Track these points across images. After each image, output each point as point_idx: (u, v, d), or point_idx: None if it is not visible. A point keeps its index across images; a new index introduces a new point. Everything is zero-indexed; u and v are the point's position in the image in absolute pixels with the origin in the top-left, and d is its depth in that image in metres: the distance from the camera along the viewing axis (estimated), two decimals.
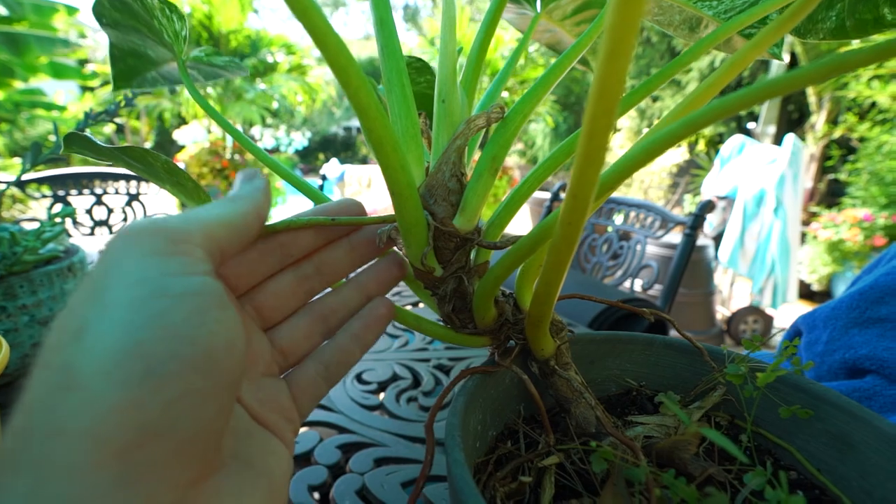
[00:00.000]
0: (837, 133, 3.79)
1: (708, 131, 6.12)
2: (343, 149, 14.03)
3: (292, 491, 0.39)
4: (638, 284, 1.33)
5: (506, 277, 0.19)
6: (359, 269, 0.24)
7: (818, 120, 4.09)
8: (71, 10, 3.61)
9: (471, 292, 0.21)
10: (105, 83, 5.68)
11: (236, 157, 4.74)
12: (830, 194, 4.14)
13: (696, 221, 1.18)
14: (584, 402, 0.21)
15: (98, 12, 0.23)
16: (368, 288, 0.23)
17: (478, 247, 0.21)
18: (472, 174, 0.21)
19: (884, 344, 0.44)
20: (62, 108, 4.20)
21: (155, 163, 0.22)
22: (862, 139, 3.43)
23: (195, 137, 5.38)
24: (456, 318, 0.21)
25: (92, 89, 6.19)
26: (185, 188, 0.24)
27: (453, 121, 0.21)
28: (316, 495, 0.40)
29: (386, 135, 0.18)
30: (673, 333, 0.27)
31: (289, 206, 5.14)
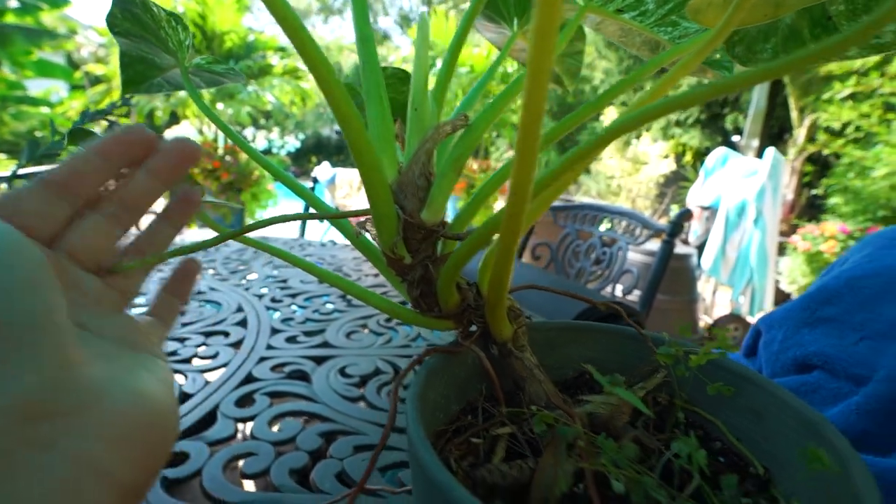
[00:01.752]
0: (812, 149, 3.91)
1: (695, 143, 6.25)
2: (336, 152, 13.99)
3: (274, 474, 0.41)
4: (619, 289, 1.36)
5: (464, 264, 0.21)
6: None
7: (799, 134, 4.20)
8: (56, 4, 3.55)
9: (436, 279, 0.24)
10: (95, 82, 5.64)
11: (227, 157, 4.73)
12: (810, 207, 4.25)
13: (675, 229, 1.22)
14: (536, 380, 0.23)
15: (111, 22, 0.25)
16: (175, 219, 0.25)
17: (443, 238, 0.23)
18: (437, 173, 0.23)
19: (829, 342, 0.47)
20: (51, 105, 4.15)
21: None
22: (837, 156, 3.55)
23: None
24: (423, 303, 0.24)
25: (82, 87, 6.12)
26: None
27: (423, 126, 0.23)
28: (296, 479, 0.42)
29: (362, 140, 0.20)
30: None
31: (280, 208, 5.13)
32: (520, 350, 0.24)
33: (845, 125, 3.55)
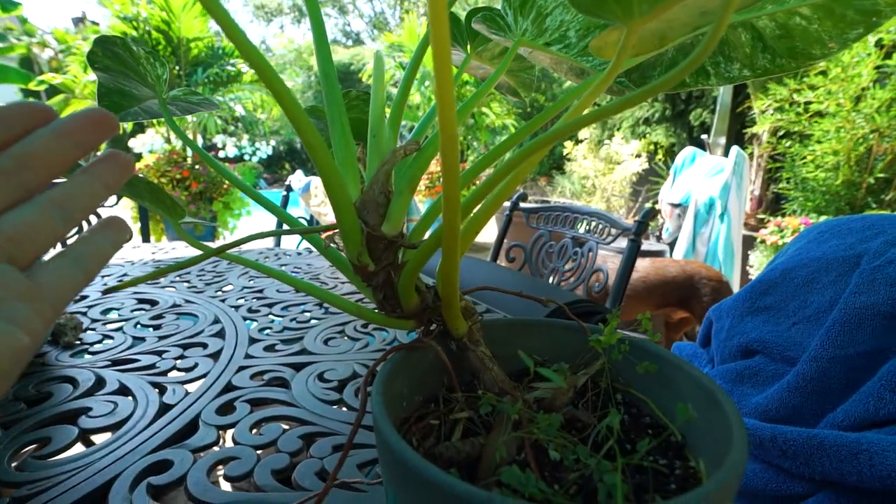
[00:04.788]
0: (768, 150, 4.16)
1: (662, 140, 6.46)
2: (309, 158, 13.83)
3: (257, 476, 0.43)
4: (591, 287, 1.41)
5: (419, 269, 0.24)
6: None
7: (763, 131, 4.39)
8: (6, 7, 3.41)
9: (397, 283, 0.27)
10: (55, 93, 5.46)
11: (197, 167, 4.66)
12: (777, 201, 4.44)
13: (640, 228, 1.28)
14: (489, 370, 0.26)
15: (91, 59, 0.28)
16: (104, 177, 0.22)
17: (402, 247, 0.26)
18: (394, 191, 0.26)
19: (767, 328, 0.52)
20: None
21: (138, 184, 0.27)
22: (783, 154, 3.79)
23: (153, 146, 5.24)
24: (387, 305, 0.27)
25: (37, 94, 5.92)
26: (164, 204, 0.29)
27: (382, 151, 0.26)
28: (278, 479, 0.44)
29: (328, 164, 0.23)
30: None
31: (254, 216, 5.08)
32: (475, 344, 0.27)
33: (781, 129, 3.82)
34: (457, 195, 0.17)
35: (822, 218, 3.42)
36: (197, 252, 0.29)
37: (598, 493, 0.17)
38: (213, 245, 0.34)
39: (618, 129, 6.85)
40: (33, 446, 0.44)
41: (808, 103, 3.51)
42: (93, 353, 0.64)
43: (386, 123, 0.27)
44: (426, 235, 0.28)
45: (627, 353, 0.28)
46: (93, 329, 0.72)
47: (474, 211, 0.24)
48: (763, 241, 3.58)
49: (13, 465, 0.41)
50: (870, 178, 3.29)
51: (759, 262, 3.67)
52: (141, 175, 0.28)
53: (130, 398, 0.53)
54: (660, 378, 0.27)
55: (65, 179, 0.22)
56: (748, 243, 3.65)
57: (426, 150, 0.26)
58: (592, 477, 0.19)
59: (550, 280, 1.45)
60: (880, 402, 0.37)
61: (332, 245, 0.27)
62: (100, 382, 0.56)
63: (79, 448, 0.45)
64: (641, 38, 0.20)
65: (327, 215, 4.24)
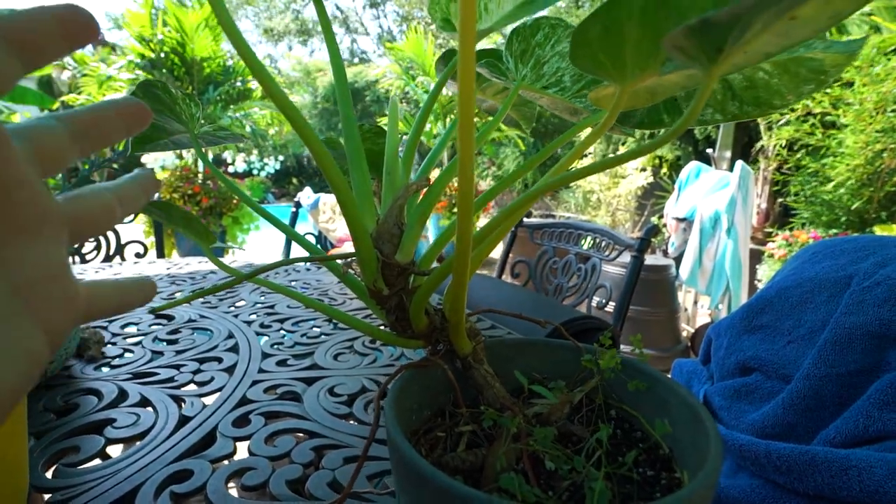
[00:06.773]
0: (774, 164, 4.16)
1: (669, 154, 6.49)
2: (316, 174, 14.01)
3: (272, 485, 0.45)
4: (594, 303, 1.42)
5: (430, 294, 0.27)
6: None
7: (770, 145, 4.39)
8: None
9: (409, 306, 0.29)
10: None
11: (208, 182, 4.75)
12: (784, 215, 4.43)
13: (642, 245, 1.30)
14: (491, 387, 0.29)
15: None
16: (146, 186, 0.23)
17: (413, 274, 0.29)
18: (407, 223, 0.29)
19: (764, 346, 0.54)
20: None
21: (175, 213, 0.30)
22: (798, 167, 3.78)
23: (164, 162, 5.35)
24: (398, 326, 0.29)
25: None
26: (196, 230, 0.32)
27: (395, 186, 0.29)
28: (292, 488, 0.46)
29: (349, 199, 0.26)
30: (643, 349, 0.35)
31: (262, 233, 5.16)
32: (478, 363, 0.29)
33: (795, 142, 3.82)
34: (469, 236, 0.20)
35: (832, 232, 3.41)
36: (213, 267, 0.31)
37: (587, 499, 0.19)
38: (223, 259, 0.37)
39: (623, 144, 6.90)
40: (63, 455, 0.47)
41: (824, 114, 3.51)
42: (114, 367, 0.67)
43: (400, 162, 0.30)
44: (433, 263, 0.31)
45: (620, 372, 0.30)
46: (113, 343, 0.75)
47: (481, 245, 0.27)
48: (771, 255, 3.57)
49: (46, 472, 0.43)
50: (881, 192, 3.29)
51: (766, 276, 3.66)
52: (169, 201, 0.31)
53: (151, 410, 0.55)
54: (650, 395, 0.29)
55: (118, 179, 0.23)
56: (756, 257, 3.65)
57: (436, 186, 0.29)
58: (583, 484, 0.21)
59: (555, 296, 1.47)
60: (869, 419, 0.39)
61: (349, 271, 0.29)
62: (122, 395, 0.59)
63: (105, 457, 0.47)
64: (634, 93, 0.23)
65: (335, 231, 4.29)
